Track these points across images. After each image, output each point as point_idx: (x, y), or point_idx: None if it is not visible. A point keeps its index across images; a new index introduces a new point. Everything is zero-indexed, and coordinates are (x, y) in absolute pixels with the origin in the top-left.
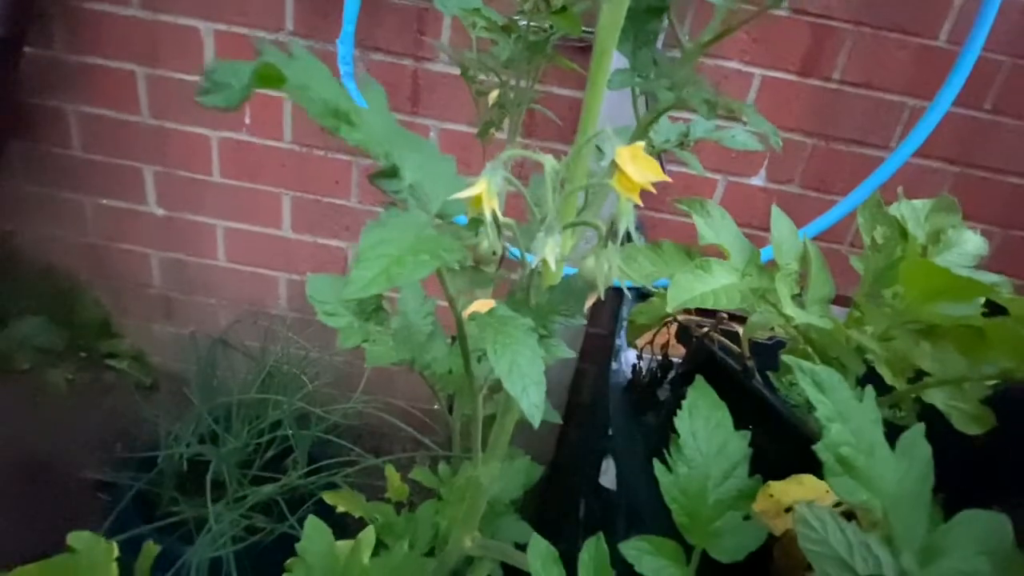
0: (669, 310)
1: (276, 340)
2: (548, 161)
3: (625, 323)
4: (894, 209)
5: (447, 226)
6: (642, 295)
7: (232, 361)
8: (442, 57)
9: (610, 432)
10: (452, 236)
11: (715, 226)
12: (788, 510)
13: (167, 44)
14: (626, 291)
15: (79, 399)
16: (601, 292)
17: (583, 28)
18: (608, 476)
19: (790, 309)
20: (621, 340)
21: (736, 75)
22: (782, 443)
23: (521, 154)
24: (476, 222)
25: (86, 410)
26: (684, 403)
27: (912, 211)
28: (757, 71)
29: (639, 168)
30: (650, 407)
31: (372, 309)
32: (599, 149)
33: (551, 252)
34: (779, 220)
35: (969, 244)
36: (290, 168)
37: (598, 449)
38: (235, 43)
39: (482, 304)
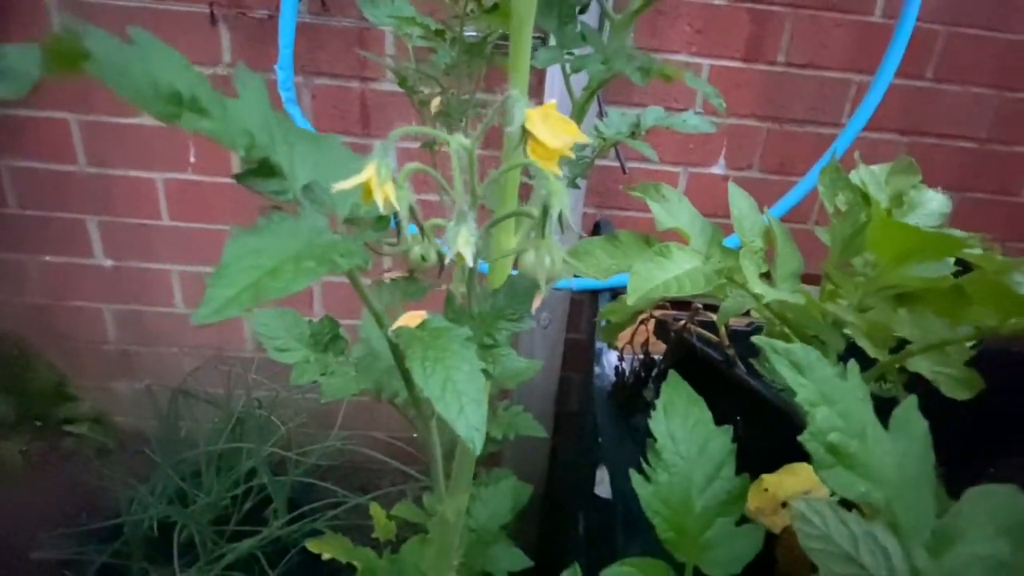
0: (630, 303)
1: (243, 384)
2: (455, 140)
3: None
4: (854, 176)
5: (357, 232)
6: (617, 295)
7: (197, 411)
8: (389, 75)
9: (600, 440)
10: (354, 240)
11: (672, 210)
12: (785, 504)
13: (99, 89)
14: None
15: (35, 472)
16: (544, 289)
17: None
18: (603, 486)
19: (759, 287)
20: (600, 343)
21: (683, 66)
22: (773, 432)
23: (415, 131)
24: (382, 220)
25: (44, 483)
26: (658, 403)
27: (871, 176)
28: (705, 61)
29: (553, 130)
30: (637, 408)
31: (328, 339)
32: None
33: (464, 244)
34: (737, 197)
35: (933, 203)
36: (242, 204)
37: (590, 459)
38: None
39: (413, 317)
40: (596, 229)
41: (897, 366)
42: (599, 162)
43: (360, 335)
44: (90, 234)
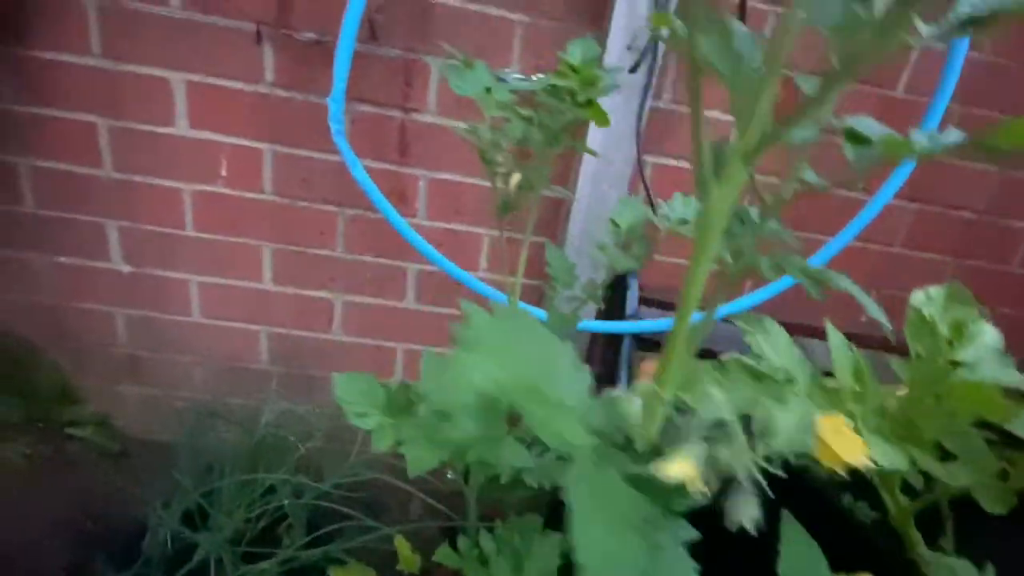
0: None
1: (260, 396)
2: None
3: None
4: (914, 299)
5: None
6: (641, 340)
7: (209, 422)
8: (430, 108)
9: None
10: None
11: (776, 346)
12: None
13: (132, 95)
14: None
15: (40, 475)
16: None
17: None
18: None
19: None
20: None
21: (716, 121)
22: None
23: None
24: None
25: (49, 487)
26: (781, 550)
27: (929, 302)
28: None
29: (844, 445)
30: None
31: (404, 405)
32: None
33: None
34: (835, 338)
35: (987, 337)
36: (271, 220)
37: None
38: (210, 95)
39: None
40: (619, 281)
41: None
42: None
43: (423, 388)
44: (108, 238)
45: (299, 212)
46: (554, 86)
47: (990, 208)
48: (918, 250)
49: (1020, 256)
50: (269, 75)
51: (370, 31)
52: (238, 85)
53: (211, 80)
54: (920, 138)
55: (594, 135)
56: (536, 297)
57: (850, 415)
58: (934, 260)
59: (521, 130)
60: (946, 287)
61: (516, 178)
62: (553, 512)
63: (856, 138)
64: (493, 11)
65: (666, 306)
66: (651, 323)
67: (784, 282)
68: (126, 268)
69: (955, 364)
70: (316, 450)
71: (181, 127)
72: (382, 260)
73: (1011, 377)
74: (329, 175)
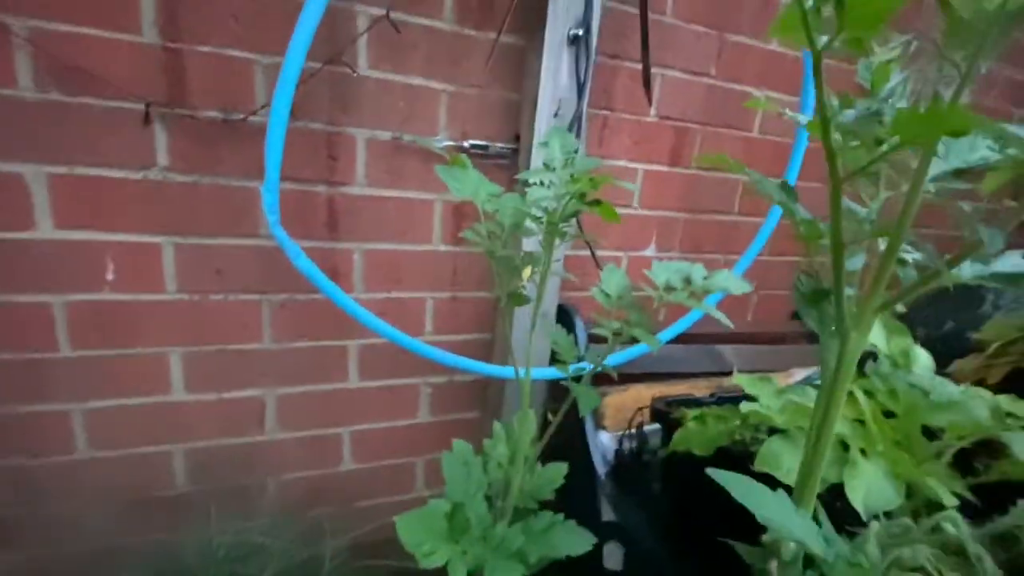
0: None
1: (179, 527)
2: None
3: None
4: (873, 336)
5: None
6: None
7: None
8: (359, 180)
9: (603, 518)
10: None
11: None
12: None
13: None
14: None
15: None
16: None
17: None
18: (613, 559)
19: None
20: (590, 432)
21: (623, 170)
22: None
23: None
24: None
25: None
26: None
27: (880, 338)
28: (640, 166)
29: None
30: (640, 481)
31: (463, 526)
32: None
33: None
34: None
35: (922, 359)
36: (178, 321)
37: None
38: (83, 187)
39: None
40: (560, 312)
41: None
42: (568, 252)
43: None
44: None
45: (214, 307)
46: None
47: None
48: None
49: None
50: (162, 159)
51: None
52: (120, 174)
53: (82, 171)
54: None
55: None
56: (485, 352)
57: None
58: (792, 262)
59: (512, 220)
60: (887, 323)
61: (528, 272)
62: None
63: None
64: (416, 81)
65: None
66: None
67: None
68: None
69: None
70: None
71: (44, 228)
72: (319, 343)
73: (952, 391)
74: (247, 262)
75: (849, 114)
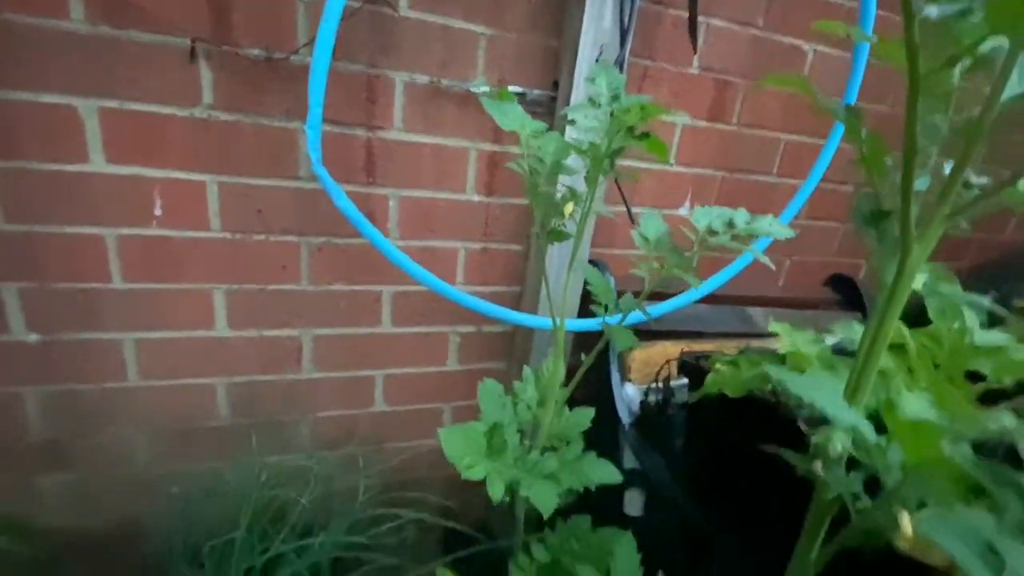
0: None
1: (225, 456)
2: None
3: (617, 362)
4: (918, 283)
5: None
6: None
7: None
8: (396, 124)
9: (626, 466)
10: None
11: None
12: None
13: (28, 129)
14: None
15: None
16: None
17: None
18: (633, 505)
19: None
20: (616, 380)
21: (661, 124)
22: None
23: None
24: None
25: None
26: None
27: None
28: (679, 120)
29: None
30: (664, 433)
31: (499, 446)
32: None
33: None
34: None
35: (968, 315)
36: (222, 259)
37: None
38: (133, 123)
39: None
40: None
41: None
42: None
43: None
44: (5, 304)
45: (255, 247)
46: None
47: None
48: (815, 220)
49: None
50: (207, 96)
51: None
52: (168, 110)
53: (132, 106)
54: None
55: None
56: (513, 302)
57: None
58: (828, 227)
59: (554, 158)
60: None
61: (570, 207)
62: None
63: None
64: (456, 24)
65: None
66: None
67: (738, 265)
68: (32, 337)
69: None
70: (318, 500)
71: (96, 163)
72: (355, 287)
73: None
74: (287, 203)
75: (933, 9)
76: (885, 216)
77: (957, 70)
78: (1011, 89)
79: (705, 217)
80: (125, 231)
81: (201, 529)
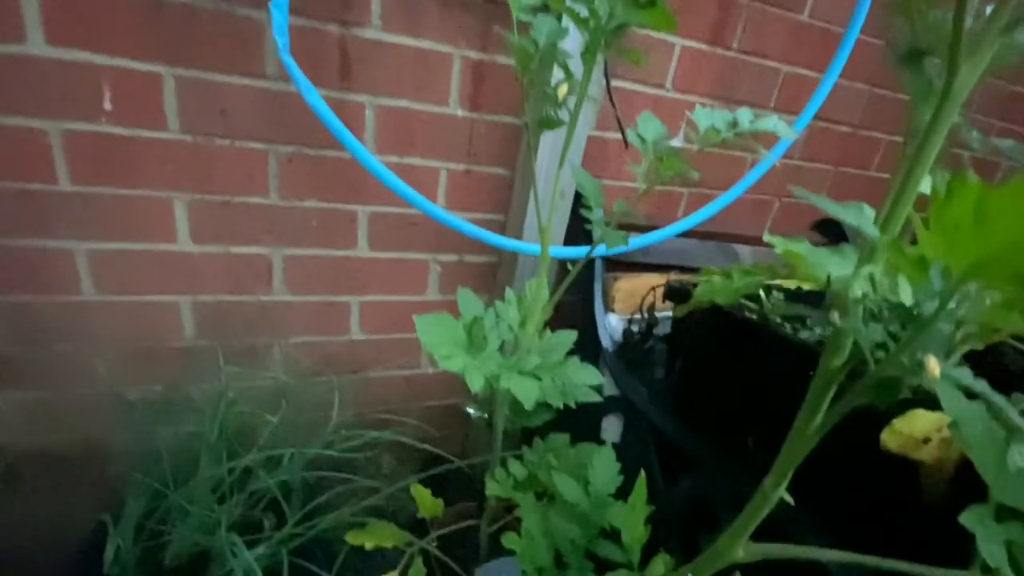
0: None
1: (189, 378)
2: None
3: (599, 295)
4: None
5: None
6: (611, 262)
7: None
8: (374, 21)
9: (606, 394)
10: None
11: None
12: (927, 440)
13: None
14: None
15: None
16: None
17: None
18: (611, 432)
19: None
20: (599, 308)
21: (659, 42)
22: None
23: None
24: None
25: None
26: None
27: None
28: (677, 41)
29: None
30: (646, 361)
31: (480, 341)
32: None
33: None
34: None
35: None
36: (182, 164)
37: (596, 410)
38: (76, 1)
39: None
40: (579, 197)
41: None
42: (591, 133)
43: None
44: None
45: (218, 152)
46: None
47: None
48: (810, 161)
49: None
50: None
51: None
52: None
53: None
54: None
55: None
56: (498, 228)
57: None
58: (821, 169)
59: (549, 39)
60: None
61: (564, 88)
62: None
63: None
64: None
65: (629, 228)
66: (633, 241)
67: (725, 200)
68: None
69: None
70: (288, 421)
71: (35, 42)
72: (329, 205)
73: None
74: (254, 105)
75: None
76: (922, 55)
77: None
78: None
79: (707, 118)
80: (70, 125)
81: (165, 444)
